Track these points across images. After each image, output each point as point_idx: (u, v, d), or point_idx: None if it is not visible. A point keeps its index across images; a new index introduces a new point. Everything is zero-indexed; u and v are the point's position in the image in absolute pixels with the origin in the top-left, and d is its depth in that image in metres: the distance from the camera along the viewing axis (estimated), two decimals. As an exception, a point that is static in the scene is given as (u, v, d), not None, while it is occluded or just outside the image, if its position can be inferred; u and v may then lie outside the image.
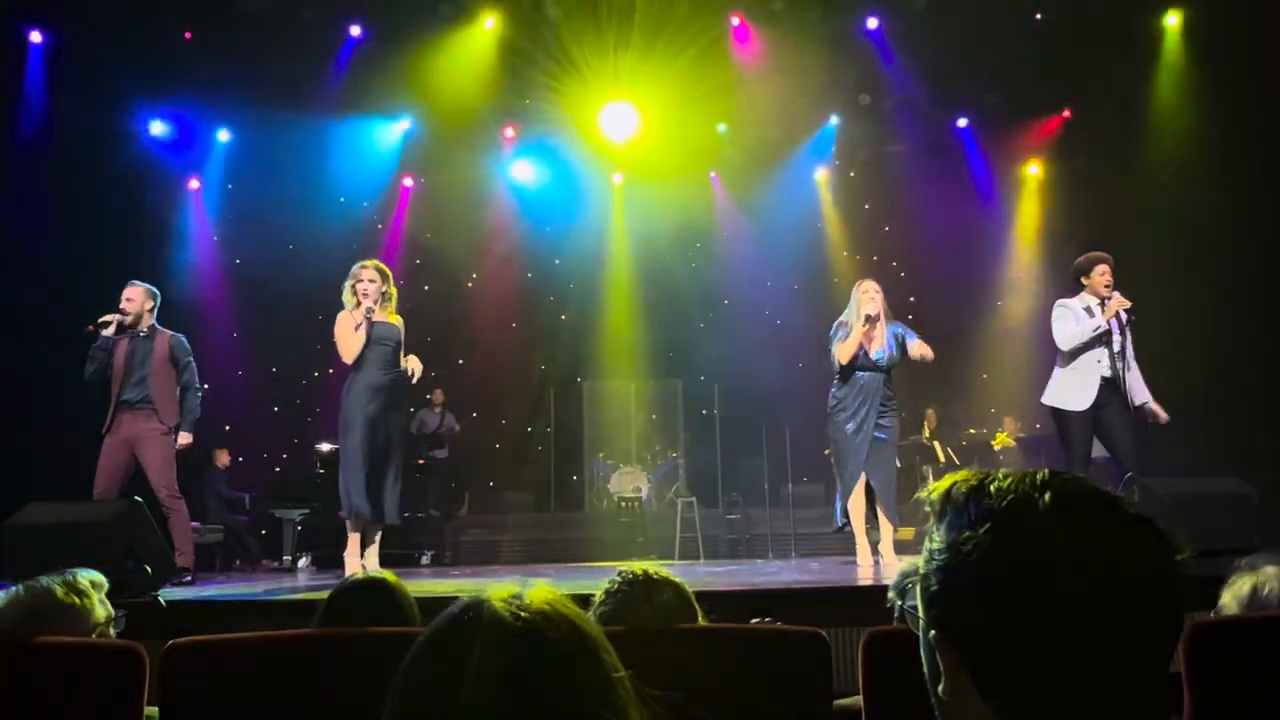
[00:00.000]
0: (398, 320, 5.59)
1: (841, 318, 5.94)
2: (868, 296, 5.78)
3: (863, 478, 5.79)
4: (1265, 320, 8.18)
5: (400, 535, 8.84)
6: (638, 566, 2.00)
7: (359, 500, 5.30)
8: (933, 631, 0.85)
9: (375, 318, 5.42)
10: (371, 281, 5.46)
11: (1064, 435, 5.57)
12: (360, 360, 5.40)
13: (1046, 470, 0.85)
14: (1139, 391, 5.51)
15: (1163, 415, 5.53)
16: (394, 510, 5.47)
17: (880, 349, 5.79)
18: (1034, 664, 0.78)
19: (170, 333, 5.78)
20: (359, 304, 5.41)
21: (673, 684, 1.59)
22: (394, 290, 5.60)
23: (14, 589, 2.22)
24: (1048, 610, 0.78)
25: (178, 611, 4.02)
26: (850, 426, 5.78)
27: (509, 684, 0.78)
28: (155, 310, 5.78)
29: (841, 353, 5.79)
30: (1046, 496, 0.81)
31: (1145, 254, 8.69)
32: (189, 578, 5.47)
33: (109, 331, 5.57)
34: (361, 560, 5.43)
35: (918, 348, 5.81)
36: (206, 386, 5.84)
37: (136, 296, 5.69)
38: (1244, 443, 7.70)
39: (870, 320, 5.73)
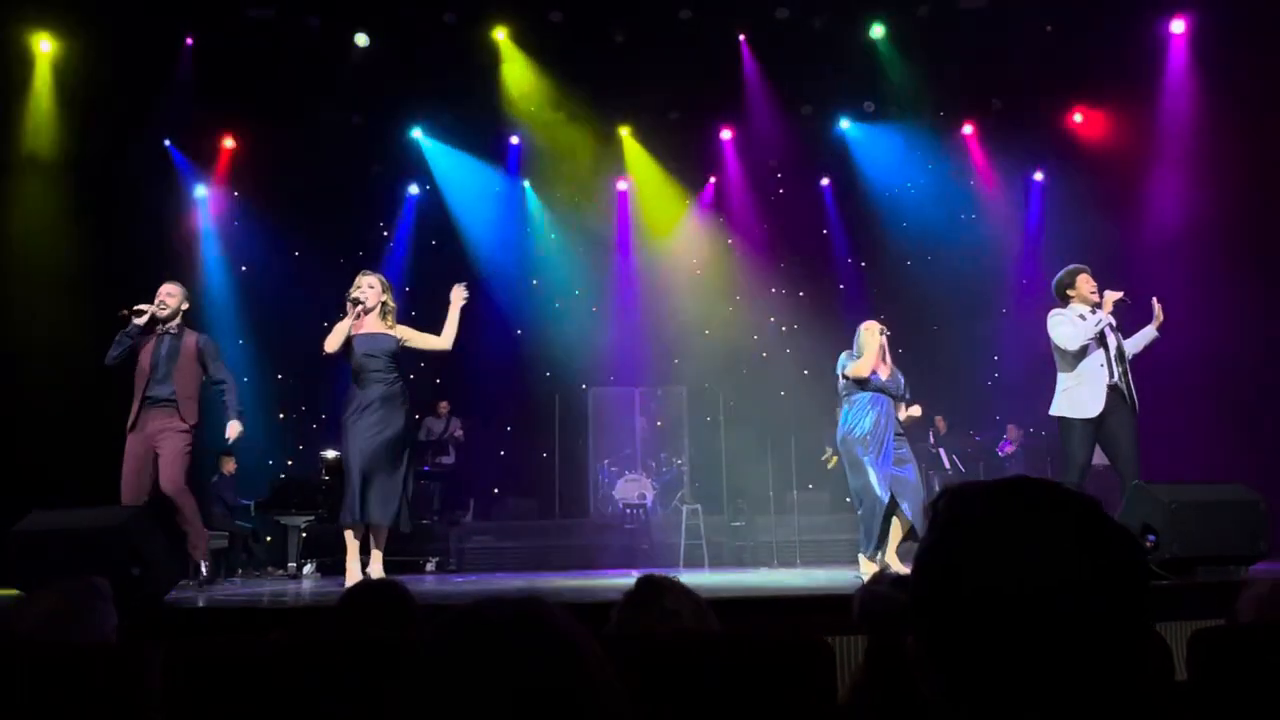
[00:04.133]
0: (397, 331, 5.54)
1: (848, 352, 5.94)
2: (871, 334, 5.82)
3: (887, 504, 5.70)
4: (1270, 326, 8.16)
5: (405, 542, 8.82)
6: (655, 578, 2.02)
7: (347, 505, 5.36)
8: (909, 638, 0.86)
9: (368, 328, 5.43)
10: (371, 288, 5.48)
11: (1066, 444, 5.55)
12: (354, 373, 5.46)
13: (1011, 478, 0.86)
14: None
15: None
16: (384, 514, 5.38)
17: (890, 378, 5.84)
18: (989, 669, 0.79)
19: (199, 334, 5.83)
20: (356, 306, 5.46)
21: (675, 691, 1.59)
22: (393, 303, 5.59)
23: (40, 590, 2.23)
24: (990, 616, 0.78)
25: (182, 617, 4.03)
26: (869, 459, 5.66)
27: (499, 694, 0.78)
28: (187, 309, 5.86)
29: (859, 368, 5.76)
30: (985, 505, 0.82)
31: (1149, 260, 8.69)
32: (208, 571, 5.54)
33: (141, 321, 5.60)
34: (366, 568, 5.43)
35: (905, 412, 5.88)
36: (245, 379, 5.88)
37: (176, 293, 5.75)
38: (1249, 450, 7.68)
39: (886, 345, 5.82)
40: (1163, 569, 4.29)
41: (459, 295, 5.54)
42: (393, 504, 5.38)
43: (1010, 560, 0.79)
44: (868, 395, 5.76)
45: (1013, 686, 0.78)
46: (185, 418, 5.57)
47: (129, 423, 5.56)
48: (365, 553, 5.46)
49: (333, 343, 5.42)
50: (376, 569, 5.39)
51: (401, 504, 5.44)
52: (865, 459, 5.67)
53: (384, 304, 5.52)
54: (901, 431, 5.83)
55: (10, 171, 8.77)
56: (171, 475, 5.51)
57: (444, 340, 5.58)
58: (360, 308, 5.43)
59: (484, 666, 0.79)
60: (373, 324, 5.49)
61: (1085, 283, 5.58)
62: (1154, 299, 5.58)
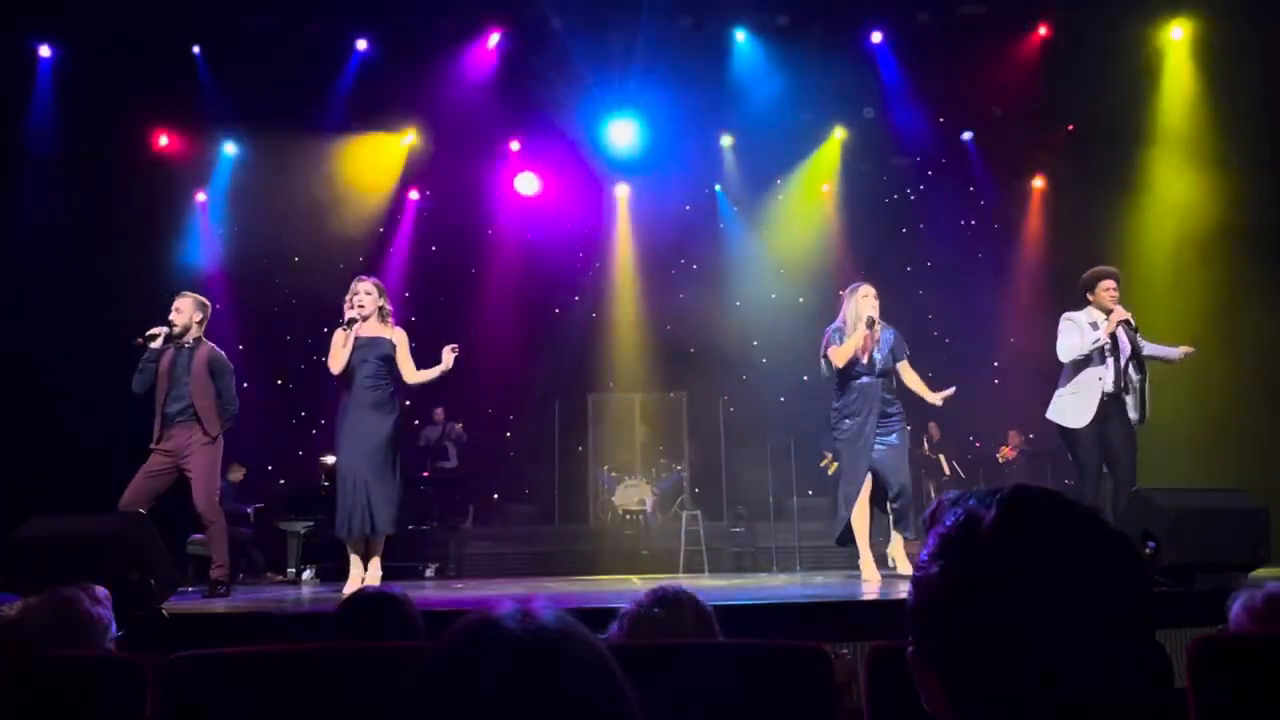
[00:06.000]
0: (393, 334, 5.51)
1: (835, 324, 5.86)
2: (868, 301, 5.73)
3: (867, 488, 5.73)
4: (1272, 334, 8.15)
5: (404, 548, 8.83)
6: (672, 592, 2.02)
7: (342, 519, 5.33)
8: (909, 649, 0.86)
9: (367, 332, 5.41)
10: (368, 294, 5.46)
11: (1072, 452, 5.54)
12: (348, 376, 5.41)
13: (1009, 486, 0.86)
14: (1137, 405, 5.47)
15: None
16: (380, 523, 5.31)
17: (878, 353, 5.77)
18: (995, 681, 0.79)
19: (211, 345, 5.72)
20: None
21: (675, 700, 1.58)
22: (389, 305, 5.58)
23: (39, 597, 2.23)
24: (997, 627, 0.78)
25: (180, 624, 4.02)
26: (850, 435, 5.74)
27: (531, 704, 0.76)
28: (204, 322, 5.73)
29: (838, 356, 5.72)
30: (991, 514, 0.82)
31: (1149, 267, 8.71)
32: (224, 589, 5.49)
33: (157, 344, 5.51)
34: (363, 572, 5.42)
35: (911, 377, 5.83)
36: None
37: (185, 308, 5.64)
38: (1251, 458, 7.67)
39: (871, 323, 5.69)
40: (1162, 576, 4.29)
41: (449, 358, 5.45)
42: (385, 510, 5.33)
43: (1008, 569, 0.79)
44: (855, 380, 5.77)
45: (1013, 697, 0.78)
46: (208, 430, 5.48)
47: (154, 438, 5.48)
48: (365, 559, 5.45)
49: (337, 363, 5.39)
50: (374, 576, 5.38)
51: (393, 509, 5.39)
52: (846, 440, 5.75)
53: (381, 309, 5.51)
54: (890, 414, 5.78)
55: (11, 175, 8.78)
56: (205, 492, 5.45)
57: (414, 375, 5.52)
58: (357, 326, 5.40)
59: (516, 680, 0.77)
60: (371, 328, 5.47)
61: (1106, 289, 5.49)
62: (1185, 350, 5.56)
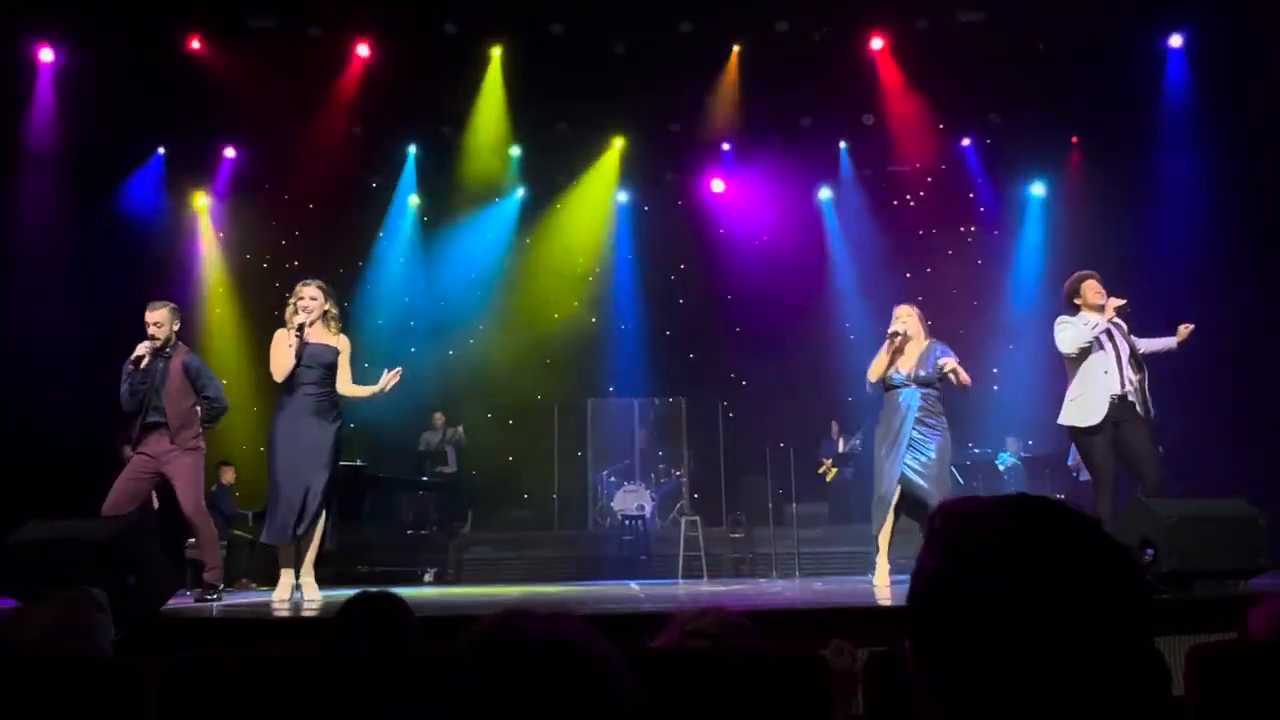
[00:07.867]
0: (339, 340, 5.44)
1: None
2: (898, 321, 5.89)
3: (895, 493, 5.74)
4: (1272, 338, 8.15)
5: (404, 552, 8.85)
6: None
7: (278, 525, 5.20)
8: (907, 653, 0.86)
9: (312, 337, 5.34)
10: (313, 299, 5.38)
11: (1085, 455, 5.50)
12: (291, 379, 5.31)
13: (1008, 495, 0.86)
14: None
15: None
16: (309, 525, 5.18)
17: (911, 368, 5.83)
18: (990, 688, 0.79)
19: (186, 349, 5.66)
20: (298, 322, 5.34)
21: (674, 705, 1.58)
22: (335, 309, 5.51)
23: (40, 600, 2.23)
24: (992, 633, 0.78)
25: (178, 627, 4.02)
26: (882, 449, 5.80)
27: (556, 706, 0.77)
28: (179, 328, 5.65)
29: (870, 371, 5.91)
30: (989, 522, 0.82)
31: (1149, 273, 8.71)
32: (216, 594, 5.44)
33: (145, 364, 5.45)
34: (295, 581, 5.30)
35: (950, 366, 5.74)
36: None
37: (164, 319, 5.53)
38: (1250, 465, 7.67)
39: (892, 338, 5.83)
40: (1160, 583, 4.28)
41: (386, 381, 5.40)
42: (315, 514, 5.22)
43: (1005, 577, 0.79)
44: (893, 391, 5.86)
45: (1008, 703, 0.78)
46: (177, 440, 5.39)
47: (132, 442, 5.46)
48: (294, 563, 5.33)
49: (282, 369, 5.30)
50: (309, 583, 5.28)
51: (319, 513, 5.26)
52: (880, 452, 5.82)
53: (326, 312, 5.43)
54: (930, 424, 5.77)
55: (11, 177, 8.78)
56: (190, 497, 5.39)
57: (348, 388, 5.44)
58: (307, 331, 5.32)
59: (522, 684, 0.78)
60: (316, 333, 5.38)
61: (1092, 289, 5.50)
62: (1184, 326, 5.52)
